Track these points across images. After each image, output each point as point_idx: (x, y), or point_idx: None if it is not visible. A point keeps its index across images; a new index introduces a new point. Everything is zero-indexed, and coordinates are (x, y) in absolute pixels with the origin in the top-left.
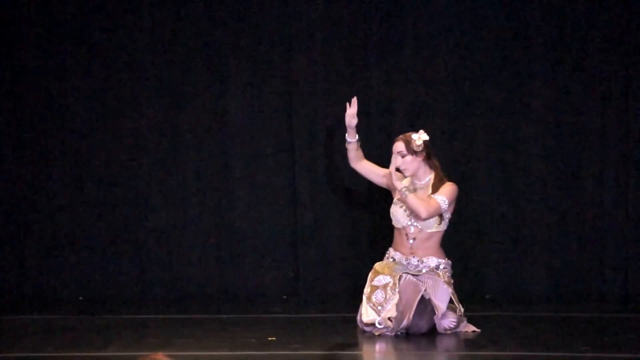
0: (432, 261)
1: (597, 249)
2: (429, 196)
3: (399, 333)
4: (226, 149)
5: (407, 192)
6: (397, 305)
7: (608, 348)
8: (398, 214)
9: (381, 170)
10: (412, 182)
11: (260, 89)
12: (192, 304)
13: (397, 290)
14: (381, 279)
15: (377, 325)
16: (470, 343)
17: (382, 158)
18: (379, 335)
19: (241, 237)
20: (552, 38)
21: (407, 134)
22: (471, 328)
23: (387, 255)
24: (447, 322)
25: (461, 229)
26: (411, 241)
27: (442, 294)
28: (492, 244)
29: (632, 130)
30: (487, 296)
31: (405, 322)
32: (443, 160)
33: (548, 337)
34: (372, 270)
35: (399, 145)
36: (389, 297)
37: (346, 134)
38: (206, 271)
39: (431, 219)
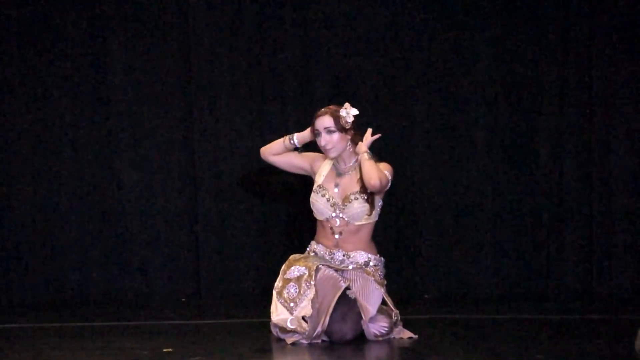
0: (361, 256)
1: (556, 242)
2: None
3: (320, 341)
4: (110, 122)
5: (367, 156)
6: (313, 301)
7: (567, 355)
8: (320, 204)
9: (299, 156)
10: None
11: (152, 51)
12: (69, 310)
13: (312, 283)
14: (295, 271)
15: (288, 325)
16: (405, 352)
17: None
18: (293, 344)
19: (130, 229)
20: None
21: (332, 107)
22: (407, 334)
23: (308, 249)
24: (377, 327)
25: (395, 219)
26: (337, 236)
27: (371, 295)
28: (431, 236)
29: (595, 96)
30: (426, 296)
31: (320, 328)
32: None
33: (496, 344)
34: (286, 262)
35: (325, 120)
36: (304, 292)
37: (299, 136)
38: (86, 270)
39: (360, 210)
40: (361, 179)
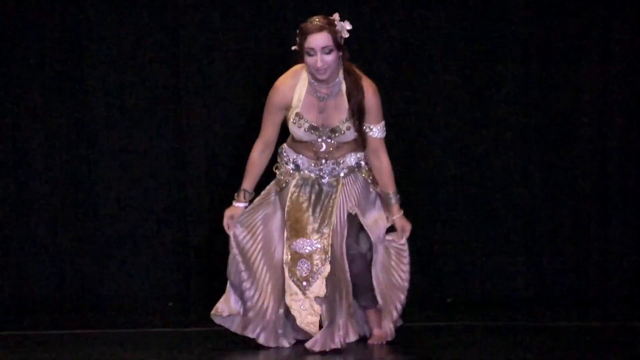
0: (351, 159)
1: (598, 238)
2: (363, 135)
3: (338, 345)
4: (85, 99)
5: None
6: (327, 281)
7: None
8: (300, 134)
9: (273, 120)
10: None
11: (134, 17)
12: (39, 316)
13: (328, 259)
14: (304, 244)
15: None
16: None
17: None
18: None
19: (107, 223)
20: None
21: (322, 19)
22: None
23: (284, 158)
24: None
25: (414, 211)
26: (324, 161)
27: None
28: (455, 231)
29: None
30: (449, 299)
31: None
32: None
33: (528, 355)
34: (286, 214)
35: (322, 38)
36: (317, 270)
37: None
38: (59, 271)
39: (352, 136)
40: (349, 103)
